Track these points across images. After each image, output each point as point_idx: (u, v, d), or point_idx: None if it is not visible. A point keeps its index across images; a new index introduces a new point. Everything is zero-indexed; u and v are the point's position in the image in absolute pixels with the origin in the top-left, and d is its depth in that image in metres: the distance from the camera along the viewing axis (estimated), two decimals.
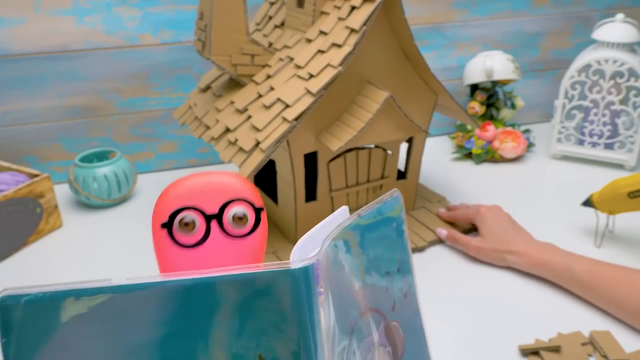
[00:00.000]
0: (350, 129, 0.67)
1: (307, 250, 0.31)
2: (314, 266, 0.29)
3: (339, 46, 0.66)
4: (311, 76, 0.66)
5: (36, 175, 0.83)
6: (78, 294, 0.27)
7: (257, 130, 0.66)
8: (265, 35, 0.82)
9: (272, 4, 0.85)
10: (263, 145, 0.63)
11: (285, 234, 0.79)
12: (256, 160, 0.63)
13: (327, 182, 0.73)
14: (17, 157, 0.95)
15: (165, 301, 0.28)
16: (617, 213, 0.77)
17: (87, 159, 0.91)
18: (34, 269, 0.76)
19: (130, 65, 0.94)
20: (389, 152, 0.78)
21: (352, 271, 0.32)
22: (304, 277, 0.28)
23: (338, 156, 0.73)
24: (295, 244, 0.33)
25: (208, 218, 0.35)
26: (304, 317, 0.28)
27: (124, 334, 0.28)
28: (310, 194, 0.74)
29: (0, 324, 0.27)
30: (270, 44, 0.78)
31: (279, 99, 0.67)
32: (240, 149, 0.66)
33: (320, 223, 0.34)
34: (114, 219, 0.87)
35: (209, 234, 0.35)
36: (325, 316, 0.29)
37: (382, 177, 0.79)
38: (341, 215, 0.36)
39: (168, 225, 0.34)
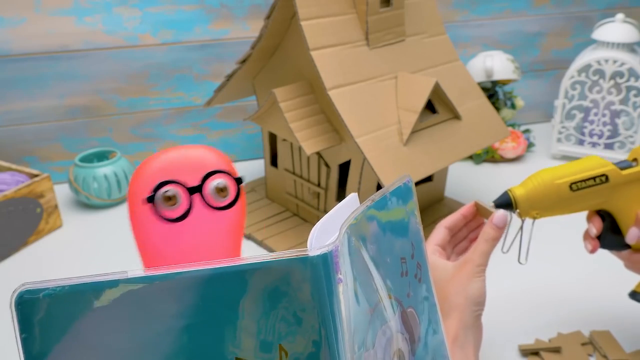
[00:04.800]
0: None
1: (322, 236, 0.31)
2: (332, 253, 0.28)
3: None
4: None
5: (36, 175, 0.83)
6: (98, 286, 0.27)
7: None
8: None
9: None
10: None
11: None
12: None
13: (281, 157, 0.84)
14: (17, 157, 0.95)
15: (184, 292, 0.28)
16: (544, 216, 0.54)
17: (87, 159, 0.91)
18: (34, 269, 0.76)
19: (130, 65, 0.94)
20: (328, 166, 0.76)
21: (370, 258, 0.32)
22: (323, 265, 0.28)
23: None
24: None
25: (190, 191, 0.35)
26: (324, 305, 0.28)
27: (146, 324, 0.28)
28: (274, 162, 0.87)
29: (20, 319, 0.27)
30: None
31: None
32: None
33: (332, 209, 0.34)
34: (114, 219, 0.87)
35: (191, 207, 0.35)
36: (346, 304, 0.28)
37: (319, 184, 0.78)
38: (352, 201, 0.36)
39: (151, 199, 0.34)
